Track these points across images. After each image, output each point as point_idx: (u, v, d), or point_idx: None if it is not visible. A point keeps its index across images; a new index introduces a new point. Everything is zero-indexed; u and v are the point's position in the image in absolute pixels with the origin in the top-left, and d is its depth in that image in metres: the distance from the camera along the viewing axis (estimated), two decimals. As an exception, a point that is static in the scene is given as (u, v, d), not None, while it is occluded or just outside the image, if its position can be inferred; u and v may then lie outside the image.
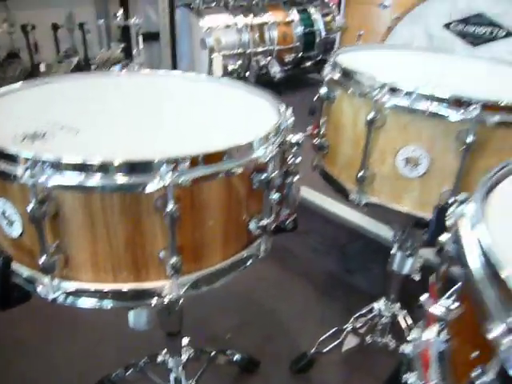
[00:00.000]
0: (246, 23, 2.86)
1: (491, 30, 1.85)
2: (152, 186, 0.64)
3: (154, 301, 0.73)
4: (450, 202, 0.58)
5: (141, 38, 2.44)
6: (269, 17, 3.00)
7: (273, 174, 0.77)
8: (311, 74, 3.38)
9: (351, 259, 2.00)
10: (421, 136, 0.90)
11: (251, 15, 2.93)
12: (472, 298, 0.44)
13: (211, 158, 0.68)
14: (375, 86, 0.92)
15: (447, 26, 1.93)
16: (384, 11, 2.60)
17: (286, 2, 3.22)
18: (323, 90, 1.06)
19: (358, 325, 1.43)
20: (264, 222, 0.81)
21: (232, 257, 0.80)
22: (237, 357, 1.42)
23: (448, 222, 0.56)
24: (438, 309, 0.53)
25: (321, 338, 1.45)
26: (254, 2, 3.03)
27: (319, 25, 3.24)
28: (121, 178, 0.64)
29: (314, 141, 1.12)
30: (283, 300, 1.75)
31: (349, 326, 1.44)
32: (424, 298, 0.60)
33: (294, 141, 0.84)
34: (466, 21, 1.89)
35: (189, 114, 0.90)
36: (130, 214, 0.66)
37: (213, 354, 1.35)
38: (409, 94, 0.89)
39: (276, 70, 2.92)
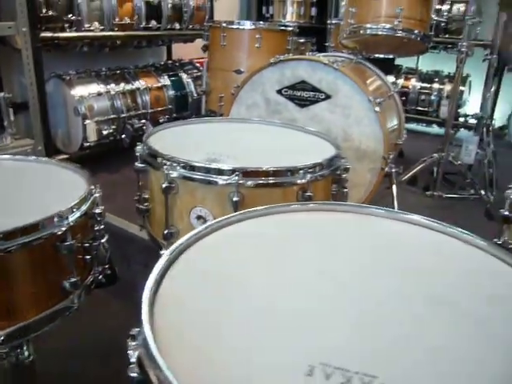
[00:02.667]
0: (118, 90, 3.09)
1: (314, 94, 2.21)
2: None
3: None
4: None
5: (11, 110, 2.58)
6: (141, 83, 3.25)
7: (73, 241, 0.96)
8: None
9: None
10: (204, 199, 1.15)
11: (123, 83, 3.17)
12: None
13: (26, 231, 0.87)
14: (167, 162, 1.16)
15: (279, 91, 2.27)
16: (240, 76, 2.95)
17: (157, 69, 3.50)
18: (138, 164, 1.29)
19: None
20: (74, 280, 1.00)
21: (46, 310, 0.97)
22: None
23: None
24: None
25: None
26: (126, 71, 3.28)
27: (190, 87, 3.55)
28: None
29: (137, 205, 1.34)
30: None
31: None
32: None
33: (97, 211, 1.05)
34: (293, 87, 2.24)
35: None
36: None
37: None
38: (192, 167, 1.14)
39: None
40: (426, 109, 4.29)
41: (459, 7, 3.97)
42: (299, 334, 0.58)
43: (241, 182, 1.10)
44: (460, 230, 0.83)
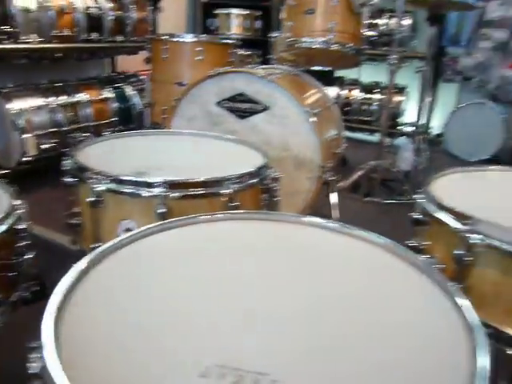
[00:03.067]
0: (58, 103, 3.05)
1: (252, 106, 2.26)
2: None
3: None
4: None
5: None
6: (83, 96, 3.22)
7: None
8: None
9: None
10: (132, 212, 1.17)
11: (64, 95, 3.12)
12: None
13: None
14: (93, 176, 1.17)
15: (219, 103, 2.31)
16: (182, 88, 2.97)
17: (101, 81, 3.47)
18: (66, 179, 1.28)
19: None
20: (-4, 297, 0.99)
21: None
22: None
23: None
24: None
25: None
26: (67, 83, 3.24)
27: (135, 100, 3.54)
28: None
29: (68, 220, 1.33)
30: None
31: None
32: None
33: (22, 227, 1.04)
34: (232, 99, 2.29)
35: None
36: None
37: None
38: (118, 180, 1.15)
39: (94, 144, 3.11)
40: (368, 118, 4.44)
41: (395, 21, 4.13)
42: (197, 337, 0.61)
43: (166, 193, 1.12)
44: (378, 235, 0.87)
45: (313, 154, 2.20)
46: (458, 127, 4.15)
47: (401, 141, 3.31)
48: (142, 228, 0.88)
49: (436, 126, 4.64)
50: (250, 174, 1.27)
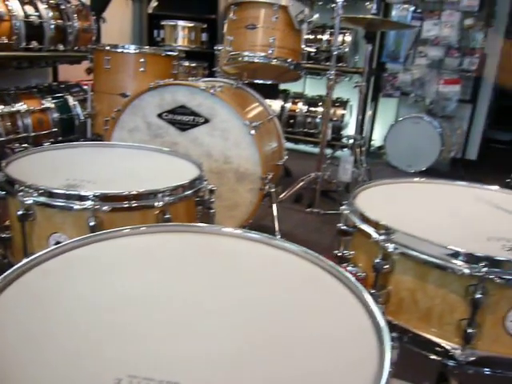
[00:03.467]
0: (-5, 113, 2.96)
1: (194, 118, 2.28)
2: None
3: None
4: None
5: None
6: (22, 105, 3.14)
7: None
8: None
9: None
10: (63, 225, 1.15)
11: (2, 105, 3.03)
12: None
13: None
14: (22, 189, 1.15)
15: (160, 115, 2.31)
16: (125, 100, 2.95)
17: (41, 91, 3.40)
18: (-5, 192, 1.25)
19: None
20: None
21: None
22: None
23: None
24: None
25: None
26: (5, 92, 3.15)
27: (77, 110, 3.48)
28: None
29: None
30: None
31: None
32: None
33: None
34: (173, 111, 2.30)
35: None
36: None
37: None
38: (48, 193, 1.14)
39: (34, 155, 3.03)
40: (312, 131, 4.55)
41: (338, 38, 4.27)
42: (112, 347, 0.62)
43: (97, 206, 1.12)
44: (294, 244, 0.90)
45: (253, 166, 2.24)
46: (397, 140, 4.32)
47: (342, 153, 3.41)
48: (63, 243, 0.88)
49: (378, 138, 4.82)
50: (184, 187, 1.28)
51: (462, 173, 4.25)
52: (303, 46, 2.51)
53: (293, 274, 0.84)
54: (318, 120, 4.56)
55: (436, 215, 1.14)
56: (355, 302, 0.75)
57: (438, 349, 0.94)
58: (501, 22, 4.43)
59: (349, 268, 1.06)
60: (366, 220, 1.04)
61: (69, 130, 3.42)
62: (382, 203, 1.21)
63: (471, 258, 0.88)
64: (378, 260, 0.96)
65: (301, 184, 2.79)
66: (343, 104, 4.53)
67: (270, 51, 2.43)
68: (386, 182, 1.34)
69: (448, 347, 0.93)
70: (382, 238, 0.95)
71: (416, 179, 1.40)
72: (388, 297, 0.99)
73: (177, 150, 2.32)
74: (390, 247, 0.94)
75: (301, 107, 4.61)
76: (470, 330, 0.89)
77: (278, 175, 2.78)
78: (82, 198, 1.13)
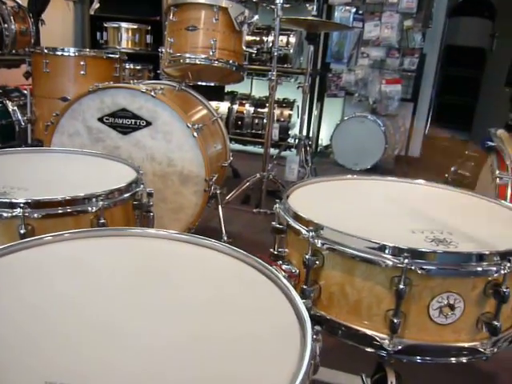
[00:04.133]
0: None
1: (135, 121, 2.25)
2: None
3: None
4: None
5: None
6: (-44, 112, 3.01)
7: None
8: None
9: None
10: (-10, 233, 1.12)
11: None
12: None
13: None
14: None
15: (100, 119, 2.27)
16: (64, 104, 2.88)
17: (-24, 96, 3.27)
18: None
19: None
20: None
21: None
22: None
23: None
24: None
25: None
26: None
27: (17, 115, 3.37)
28: None
29: None
30: None
31: None
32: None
33: None
34: (114, 115, 2.26)
35: None
36: None
37: None
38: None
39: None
40: (260, 132, 4.59)
41: (282, 39, 4.33)
42: (29, 356, 0.60)
43: (26, 214, 1.09)
44: (219, 243, 0.91)
45: (197, 168, 2.24)
46: (343, 139, 4.42)
47: (288, 153, 3.46)
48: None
49: (324, 138, 4.91)
50: (120, 190, 1.26)
51: (405, 169, 4.40)
52: (244, 48, 2.53)
53: (219, 272, 0.85)
54: (265, 121, 4.59)
55: (365, 211, 1.18)
56: (281, 298, 0.76)
57: (370, 341, 0.97)
58: (438, 22, 4.62)
59: (283, 266, 1.07)
60: (297, 218, 1.06)
61: (9, 137, 3.31)
62: (314, 201, 1.24)
63: (394, 251, 0.91)
64: (308, 256, 0.98)
65: (247, 184, 2.81)
66: (290, 104, 4.59)
67: (211, 53, 2.43)
68: (319, 180, 1.37)
69: (377, 338, 0.96)
70: (311, 234, 0.97)
71: (349, 176, 1.44)
72: (319, 292, 1.02)
73: (119, 153, 2.29)
74: (319, 243, 0.96)
75: (248, 108, 4.64)
76: (395, 320, 0.92)
77: (224, 176, 2.79)
78: (11, 206, 1.09)
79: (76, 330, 0.66)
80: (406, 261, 0.89)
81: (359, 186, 1.40)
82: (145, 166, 2.29)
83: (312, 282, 1.01)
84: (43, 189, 1.25)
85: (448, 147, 5.91)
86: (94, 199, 1.18)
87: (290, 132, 4.52)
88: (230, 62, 2.50)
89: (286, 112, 4.54)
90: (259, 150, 4.75)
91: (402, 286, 0.89)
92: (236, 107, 4.65)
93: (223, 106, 4.59)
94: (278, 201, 1.18)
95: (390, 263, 0.91)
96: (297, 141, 3.19)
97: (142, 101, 2.22)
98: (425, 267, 0.91)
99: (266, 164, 2.80)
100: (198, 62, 2.45)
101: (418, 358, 0.98)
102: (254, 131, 4.62)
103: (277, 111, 4.55)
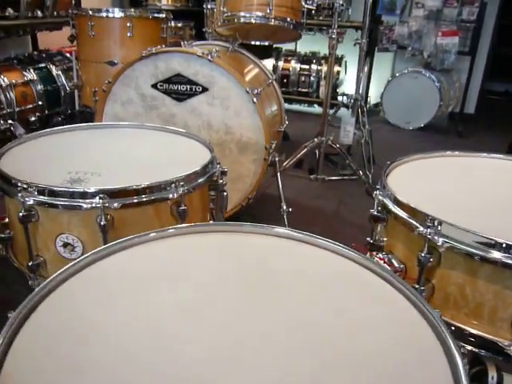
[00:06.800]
0: (-25, 89, 2.78)
1: (191, 87, 2.14)
2: None
3: None
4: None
5: None
6: (3, 79, 2.95)
7: None
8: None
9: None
10: (70, 224, 1.05)
11: (-19, 79, 2.85)
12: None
13: None
14: (22, 188, 1.04)
15: (154, 85, 2.17)
16: (113, 68, 2.78)
17: (21, 62, 3.20)
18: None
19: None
20: None
21: None
22: None
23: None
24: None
25: None
26: (-16, 65, 2.96)
27: (62, 80, 3.29)
28: None
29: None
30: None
31: None
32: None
33: None
34: (168, 80, 2.15)
35: None
36: None
37: None
38: (51, 191, 1.03)
39: (21, 133, 2.88)
40: (306, 90, 4.40)
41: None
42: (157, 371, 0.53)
43: (106, 204, 1.01)
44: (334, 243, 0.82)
45: (257, 135, 2.13)
46: (394, 96, 4.20)
47: (342, 114, 3.29)
48: (88, 254, 0.78)
49: (374, 95, 4.68)
50: (197, 173, 1.18)
51: (460, 128, 4.17)
52: (303, 3, 2.34)
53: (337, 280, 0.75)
54: (312, 78, 4.40)
55: (476, 198, 1.05)
56: (415, 313, 0.67)
57: (491, 345, 0.88)
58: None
59: (387, 259, 0.98)
60: (406, 209, 0.95)
61: (55, 103, 3.25)
62: (417, 186, 1.11)
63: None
64: (423, 254, 0.87)
65: (304, 150, 2.68)
66: (338, 61, 4.36)
67: (267, 10, 2.26)
68: (415, 158, 1.24)
69: (501, 344, 0.87)
70: (429, 231, 0.86)
71: (448, 152, 1.30)
72: (432, 291, 0.92)
73: (174, 122, 2.20)
74: (439, 241, 0.85)
75: (294, 65, 4.44)
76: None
77: (280, 142, 2.68)
78: (88, 196, 1.02)
79: (198, 349, 0.59)
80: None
81: (458, 164, 1.26)
82: (201, 135, 2.19)
83: (425, 280, 0.91)
84: (116, 173, 1.17)
85: (504, 102, 5.58)
86: (173, 185, 1.10)
87: (338, 90, 4.32)
88: (288, 19, 2.32)
89: (335, 69, 4.32)
90: (306, 108, 4.58)
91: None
92: (281, 64, 4.46)
93: (268, 64, 4.39)
94: (377, 186, 1.07)
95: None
96: (352, 101, 3.00)
97: (198, 65, 2.10)
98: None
99: (324, 127, 2.65)
100: (254, 21, 2.29)
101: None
102: (300, 89, 4.43)
103: (324, 68, 4.34)
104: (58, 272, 0.72)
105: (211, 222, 1.32)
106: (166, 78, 2.15)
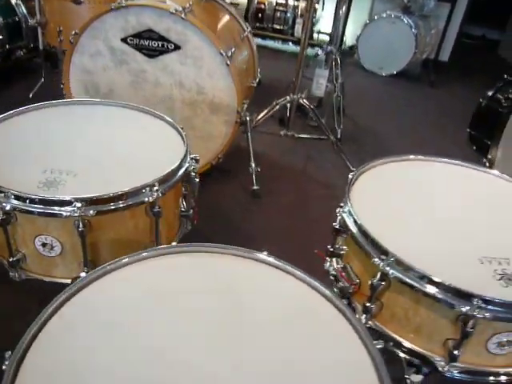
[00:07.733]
0: None
1: (162, 44, 2.08)
2: None
3: None
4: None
5: None
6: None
7: None
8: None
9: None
10: (47, 227, 1.09)
11: None
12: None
13: None
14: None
15: (124, 40, 2.09)
16: (79, 7, 2.64)
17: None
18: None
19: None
20: None
21: None
22: None
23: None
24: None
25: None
26: None
27: (22, 10, 3.10)
28: None
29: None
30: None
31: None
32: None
33: None
34: (139, 35, 2.08)
35: None
36: None
37: None
38: (25, 199, 1.05)
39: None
40: (281, 27, 4.28)
41: None
42: None
43: (83, 213, 1.05)
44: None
45: (229, 98, 2.12)
46: (370, 40, 4.13)
47: (316, 63, 3.23)
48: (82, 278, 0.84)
49: (349, 36, 4.59)
50: (171, 173, 1.21)
51: (432, 77, 4.18)
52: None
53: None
54: (288, 15, 4.27)
55: (432, 223, 1.10)
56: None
57: (426, 359, 1.00)
58: None
59: (346, 273, 1.07)
60: (367, 237, 1.02)
61: (16, 36, 3.07)
62: (375, 201, 1.17)
63: (464, 296, 0.89)
64: (376, 281, 0.97)
65: (276, 108, 2.68)
66: (315, -3, 4.21)
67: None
68: (380, 163, 1.29)
69: (435, 360, 0.98)
70: (382, 263, 0.95)
71: (411, 157, 1.35)
72: (381, 308, 1.02)
73: (145, 77, 2.15)
74: (390, 272, 0.94)
75: (270, 0, 4.27)
76: (456, 352, 0.93)
77: (251, 96, 2.66)
78: (65, 203, 1.05)
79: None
80: (475, 306, 0.88)
81: (425, 177, 1.29)
82: (173, 93, 2.17)
83: (375, 299, 1.01)
84: (92, 173, 1.19)
85: (478, 48, 5.57)
86: (147, 188, 1.14)
87: (314, 28, 4.21)
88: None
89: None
90: (280, 46, 4.48)
91: (469, 330, 0.90)
92: (257, -2, 4.28)
93: (242, -3, 4.23)
94: (341, 205, 1.13)
95: (463, 308, 0.89)
96: (326, 38, 2.92)
97: (171, 22, 2.03)
98: (493, 314, 0.89)
99: (297, 83, 2.62)
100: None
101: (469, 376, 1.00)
102: (275, 26, 4.30)
103: (301, 4, 4.20)
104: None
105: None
106: (137, 33, 2.08)
